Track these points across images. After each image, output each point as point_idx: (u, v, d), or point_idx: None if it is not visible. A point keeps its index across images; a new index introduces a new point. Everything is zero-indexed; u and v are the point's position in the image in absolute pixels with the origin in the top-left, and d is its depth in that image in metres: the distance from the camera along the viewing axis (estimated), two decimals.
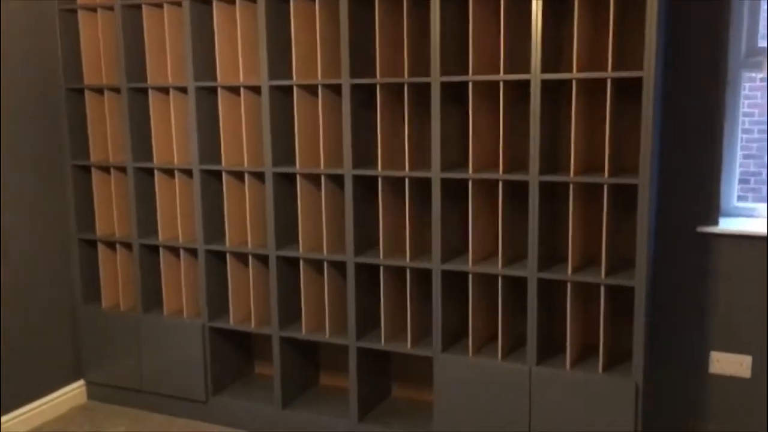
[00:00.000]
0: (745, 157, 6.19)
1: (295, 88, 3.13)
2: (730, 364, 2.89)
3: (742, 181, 6.23)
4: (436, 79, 2.85)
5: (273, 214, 3.26)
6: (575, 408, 2.78)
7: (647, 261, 2.65)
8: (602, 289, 2.73)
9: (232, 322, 3.45)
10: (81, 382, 3.82)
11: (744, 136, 6.17)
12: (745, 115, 6.13)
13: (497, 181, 3.05)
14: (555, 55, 2.89)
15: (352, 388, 3.23)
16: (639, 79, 2.74)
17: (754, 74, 6.00)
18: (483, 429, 2.95)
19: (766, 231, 2.77)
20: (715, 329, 2.90)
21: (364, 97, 3.14)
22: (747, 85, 6.06)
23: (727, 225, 2.86)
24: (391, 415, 3.32)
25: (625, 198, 2.94)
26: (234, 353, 3.67)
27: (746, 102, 6.10)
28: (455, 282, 3.12)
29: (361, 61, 3.09)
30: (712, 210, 2.86)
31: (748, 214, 2.98)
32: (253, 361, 3.82)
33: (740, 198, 6.11)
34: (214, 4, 3.22)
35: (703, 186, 2.86)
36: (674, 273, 2.94)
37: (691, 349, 2.94)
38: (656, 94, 2.61)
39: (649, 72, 2.54)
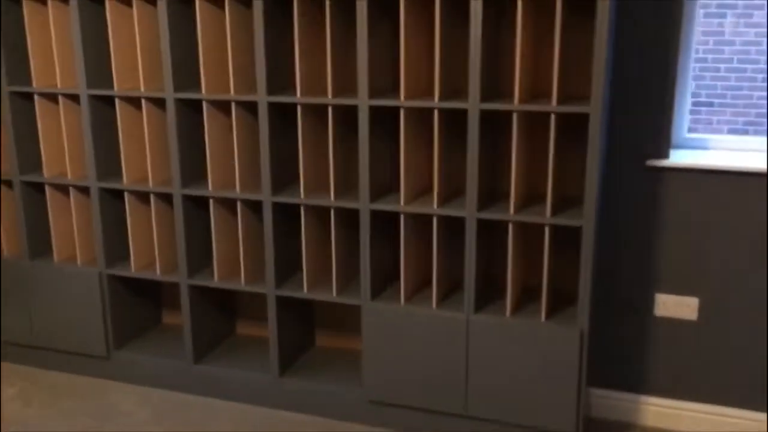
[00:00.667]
0: (698, 87, 6.03)
1: (197, 0, 2.67)
2: (676, 306, 2.72)
3: (693, 112, 6.10)
4: None
5: (177, 147, 2.83)
6: (516, 358, 2.56)
7: (596, 199, 2.40)
8: (547, 229, 2.48)
9: (134, 269, 3.06)
10: None
11: (697, 65, 6.00)
12: (699, 43, 5.94)
13: (432, 109, 2.72)
14: None
15: (273, 340, 2.93)
16: None
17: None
18: (416, 382, 2.70)
19: (719, 164, 2.56)
20: (662, 270, 2.71)
21: (279, 9, 2.71)
22: (702, 11, 5.86)
23: (678, 158, 2.63)
24: (316, 367, 3.04)
25: (571, 129, 2.66)
26: (138, 303, 3.29)
27: (700, 30, 5.90)
28: (385, 222, 2.81)
29: None
30: (662, 142, 2.62)
31: (701, 146, 2.76)
32: (161, 310, 3.45)
33: (691, 130, 6.01)
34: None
35: (653, 116, 2.61)
36: (620, 210, 2.72)
37: (635, 291, 2.76)
38: (611, 9, 2.30)
39: None
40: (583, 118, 2.62)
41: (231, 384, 3.01)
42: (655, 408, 2.82)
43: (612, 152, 2.68)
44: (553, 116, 2.39)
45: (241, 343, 3.25)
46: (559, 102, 2.41)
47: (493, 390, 2.61)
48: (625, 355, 2.83)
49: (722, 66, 6.14)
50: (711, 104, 6.21)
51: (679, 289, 2.71)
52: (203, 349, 3.12)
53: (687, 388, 2.78)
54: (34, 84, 2.97)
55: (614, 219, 2.73)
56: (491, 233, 2.80)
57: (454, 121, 2.72)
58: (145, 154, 3.01)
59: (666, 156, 2.63)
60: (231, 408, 2.98)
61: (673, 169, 2.63)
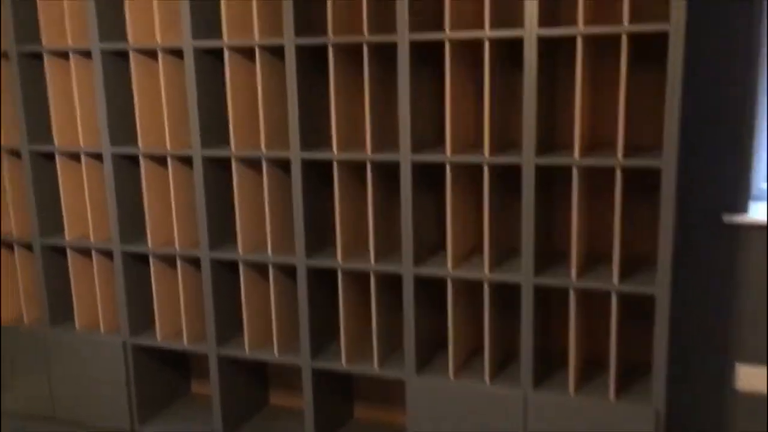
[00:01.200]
0: None
1: (226, 52, 2.49)
2: (758, 378, 2.41)
3: None
4: (404, 37, 2.25)
5: (204, 208, 2.64)
6: None
7: (671, 263, 2.13)
8: (614, 296, 2.21)
9: (160, 337, 2.84)
10: None
11: None
12: None
13: (481, 165, 2.48)
14: (554, 2, 2.31)
15: (308, 414, 2.67)
16: (662, 35, 2.18)
17: None
18: None
19: None
20: (743, 338, 2.41)
21: (313, 60, 2.52)
22: None
23: (758, 213, 2.36)
24: None
25: (637, 179, 2.41)
26: (164, 372, 3.06)
27: None
28: (431, 286, 2.57)
29: (306, 16, 2.47)
30: (740, 194, 2.35)
31: None
32: (190, 378, 3.22)
33: None
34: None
35: (729, 165, 2.35)
36: (694, 271, 2.44)
37: (713, 362, 2.46)
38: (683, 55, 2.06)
39: (678, 24, 1.99)
40: (654, 172, 2.37)
41: None
42: None
43: (684, 207, 2.41)
44: (619, 171, 2.13)
45: (274, 414, 3.00)
46: (625, 153, 2.16)
47: None
48: None
49: None
50: None
51: (763, 359, 2.41)
52: (235, 422, 2.87)
53: None
54: (56, 143, 2.81)
55: (688, 281, 2.45)
56: (550, 299, 2.54)
57: (506, 175, 2.49)
58: (171, 215, 2.82)
59: (745, 210, 2.36)
60: None
61: (753, 226, 2.35)
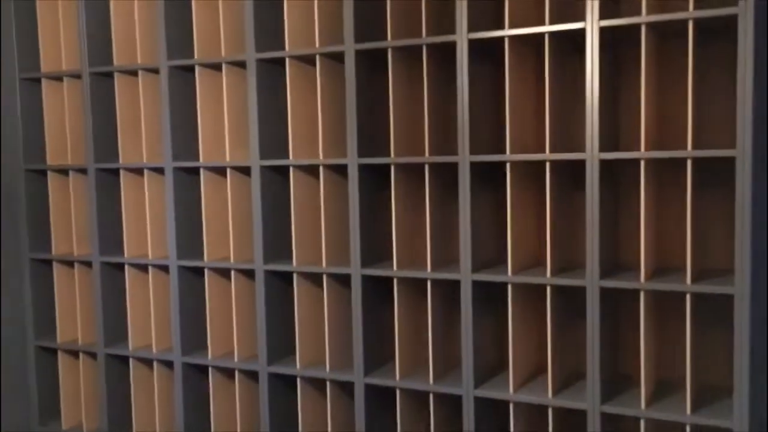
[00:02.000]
0: None
1: (291, 169, 2.57)
2: None
3: None
4: (465, 158, 2.29)
5: (264, 320, 2.65)
6: None
7: (748, 394, 2.01)
8: (688, 297, 2.08)
9: None
10: None
11: None
12: None
13: (544, 285, 2.45)
14: (614, 133, 2.32)
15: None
16: (728, 160, 2.15)
17: None
18: None
19: None
20: None
21: (375, 179, 2.57)
22: None
23: None
24: None
25: (709, 305, 2.32)
26: None
27: None
28: (495, 409, 2.48)
29: (371, 136, 2.54)
30: None
31: None
32: None
33: None
34: (197, 70, 2.70)
35: None
36: None
37: None
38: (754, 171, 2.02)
39: (744, 149, 1.96)
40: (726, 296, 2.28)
41: None
42: None
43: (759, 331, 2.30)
44: (688, 296, 2.06)
45: None
46: (694, 279, 2.10)
47: None
48: None
49: None
50: None
51: None
52: None
53: None
54: (126, 254, 2.90)
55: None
56: (616, 308, 2.40)
57: (569, 295, 2.44)
58: (232, 326, 2.84)
59: None
60: None
61: None
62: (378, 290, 2.60)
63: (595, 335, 2.17)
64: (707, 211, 2.30)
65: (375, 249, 2.58)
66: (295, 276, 2.59)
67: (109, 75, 2.94)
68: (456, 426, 2.57)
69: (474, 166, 2.31)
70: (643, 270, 2.10)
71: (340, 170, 2.61)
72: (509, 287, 2.28)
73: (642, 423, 2.13)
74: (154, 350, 2.88)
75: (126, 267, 2.91)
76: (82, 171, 3.00)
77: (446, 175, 2.49)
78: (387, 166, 2.63)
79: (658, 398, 2.20)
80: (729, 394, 2.21)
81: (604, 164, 2.18)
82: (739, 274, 1.99)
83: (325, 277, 2.55)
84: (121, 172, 2.88)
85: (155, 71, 2.83)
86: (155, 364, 2.89)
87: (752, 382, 2.28)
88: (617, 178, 2.40)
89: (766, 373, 2.29)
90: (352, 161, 2.45)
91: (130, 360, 2.93)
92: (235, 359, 2.73)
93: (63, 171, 3.05)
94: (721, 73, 2.25)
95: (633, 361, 2.41)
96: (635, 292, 2.39)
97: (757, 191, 2.26)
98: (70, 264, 3.09)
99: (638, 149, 2.21)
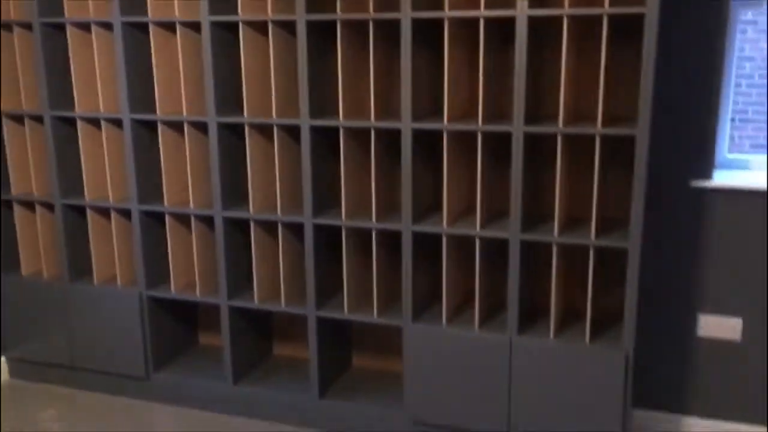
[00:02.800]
0: (745, 103, 5.96)
1: (241, 26, 2.70)
2: (719, 327, 2.71)
3: (738, 128, 6.05)
4: (406, 14, 2.48)
5: (218, 170, 2.86)
6: (560, 380, 2.55)
7: (642, 221, 2.40)
8: (591, 251, 2.48)
9: (174, 290, 3.08)
10: (1, 360, 3.40)
11: (744, 81, 5.96)
12: (747, 59, 5.88)
13: (475, 132, 2.73)
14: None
15: (313, 361, 2.93)
16: (638, 17, 2.43)
17: (753, 15, 5.79)
18: (459, 403, 2.70)
19: (765, 184, 2.56)
20: (705, 291, 2.70)
21: (322, 40, 2.74)
22: (749, 28, 5.84)
23: (722, 179, 2.63)
24: (356, 388, 3.04)
25: (615, 150, 2.67)
26: (175, 324, 3.31)
27: (747, 46, 5.85)
28: (427, 244, 2.82)
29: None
30: (706, 162, 2.63)
31: (742, 167, 2.76)
32: (198, 331, 3.47)
33: (735, 147, 5.92)
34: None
35: (697, 136, 2.61)
36: (663, 231, 2.71)
37: (678, 313, 2.75)
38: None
39: (652, 6, 2.24)
40: (629, 140, 2.63)
41: (271, 405, 3.02)
42: (697, 428, 2.81)
43: (655, 173, 2.69)
44: (598, 138, 2.40)
45: (279, 364, 3.26)
46: (604, 124, 2.42)
47: (537, 412, 2.61)
48: (667, 376, 2.81)
49: (743, 82, 6.13)
50: (733, 120, 6.19)
51: (723, 309, 2.70)
52: (242, 371, 3.12)
53: (729, 409, 2.76)
54: (77, 109, 3.01)
55: (657, 240, 2.73)
56: (534, 255, 2.81)
57: (498, 143, 2.74)
58: (186, 176, 3.04)
59: (710, 177, 2.63)
60: (272, 429, 2.99)
61: (717, 190, 2.63)
62: (326, 141, 2.83)
63: (518, 175, 2.49)
64: (618, 68, 2.60)
65: (322, 103, 2.78)
66: (246, 128, 2.78)
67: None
68: (396, 261, 2.91)
69: (415, 23, 2.50)
70: (561, 117, 2.40)
71: (289, 26, 2.76)
72: (444, 135, 2.55)
73: (554, 248, 2.51)
74: (111, 201, 3.05)
75: (78, 122, 3.02)
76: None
77: (389, 35, 2.68)
78: (333, 24, 2.79)
79: (569, 229, 2.57)
80: (628, 224, 2.61)
81: (532, 21, 2.42)
82: (642, 118, 2.32)
83: (276, 129, 2.76)
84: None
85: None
86: (113, 213, 3.08)
87: (646, 213, 2.68)
88: (543, 38, 2.66)
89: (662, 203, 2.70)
90: (300, 18, 2.61)
91: (87, 210, 3.10)
92: (191, 206, 2.94)
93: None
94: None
95: (550, 201, 2.77)
96: (554, 141, 2.71)
97: (661, 49, 2.57)
98: (20, 119, 3.16)
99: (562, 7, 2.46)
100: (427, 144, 2.76)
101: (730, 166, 2.77)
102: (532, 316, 2.77)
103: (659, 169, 2.68)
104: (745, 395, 2.73)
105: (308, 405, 2.97)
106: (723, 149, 2.75)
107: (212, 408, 3.12)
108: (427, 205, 2.82)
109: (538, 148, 2.74)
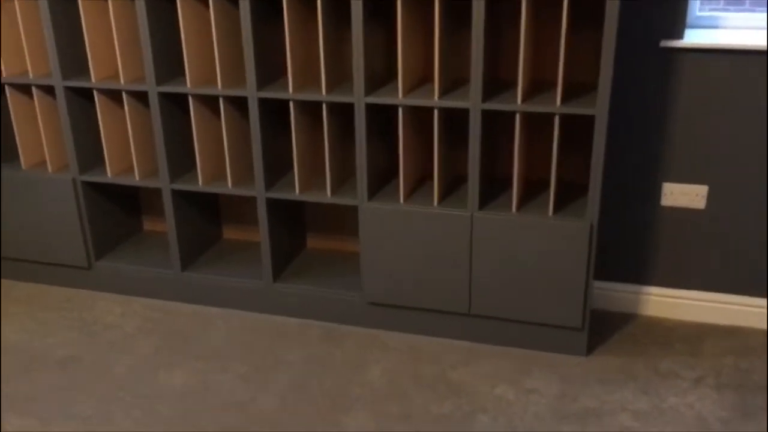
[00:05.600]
0: None
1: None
2: (683, 195, 2.63)
3: None
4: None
5: (149, 40, 2.57)
6: (523, 254, 2.47)
7: (610, 86, 2.24)
8: (557, 119, 2.33)
9: (110, 174, 2.85)
10: None
11: None
12: None
13: None
14: None
15: (265, 244, 2.79)
16: None
17: None
18: (418, 283, 2.61)
19: (736, 43, 2.40)
20: (670, 159, 2.60)
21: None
22: None
23: (693, 38, 2.47)
24: (311, 270, 2.93)
25: (582, 10, 2.47)
26: (117, 210, 3.11)
27: None
28: (382, 117, 2.63)
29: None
30: (677, 21, 2.45)
31: (714, 25, 2.59)
32: (141, 217, 3.28)
33: (710, 4, 5.67)
34: None
35: None
36: (629, 96, 2.57)
37: (642, 182, 2.66)
38: None
39: None
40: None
41: (222, 291, 2.90)
42: (657, 298, 2.79)
43: (623, 33, 2.51)
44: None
45: (229, 248, 3.11)
46: None
47: (498, 288, 2.54)
48: (630, 245, 2.76)
49: None
50: None
51: (688, 177, 2.62)
52: (190, 256, 2.98)
53: (691, 277, 2.74)
54: None
55: (623, 106, 2.59)
56: (495, 125, 2.65)
57: (456, 6, 2.51)
58: (114, 48, 2.75)
59: (681, 36, 2.47)
60: (225, 314, 2.88)
61: (687, 49, 2.47)
62: (269, 6, 2.55)
63: (479, 39, 2.28)
64: None
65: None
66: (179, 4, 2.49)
67: None
68: (349, 137, 2.72)
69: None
70: None
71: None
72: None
73: (517, 117, 2.35)
74: (31, 76, 2.75)
75: None
76: None
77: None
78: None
79: (533, 97, 2.41)
80: (595, 89, 2.45)
81: None
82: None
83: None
84: None
85: None
86: (34, 90, 2.79)
87: (615, 76, 2.53)
88: None
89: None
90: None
91: (6, 88, 2.81)
92: (121, 81, 2.67)
93: None
94: None
95: (513, 67, 2.58)
96: (517, 2, 2.49)
97: None
98: None
99: None
100: (381, 6, 2.51)
101: (704, 25, 2.60)
102: (493, 190, 2.64)
103: (628, 28, 2.49)
104: (705, 263, 2.71)
105: (261, 289, 2.85)
106: (695, 9, 2.57)
107: (161, 295, 2.99)
108: (382, 76, 2.60)
109: (501, 9, 2.52)
